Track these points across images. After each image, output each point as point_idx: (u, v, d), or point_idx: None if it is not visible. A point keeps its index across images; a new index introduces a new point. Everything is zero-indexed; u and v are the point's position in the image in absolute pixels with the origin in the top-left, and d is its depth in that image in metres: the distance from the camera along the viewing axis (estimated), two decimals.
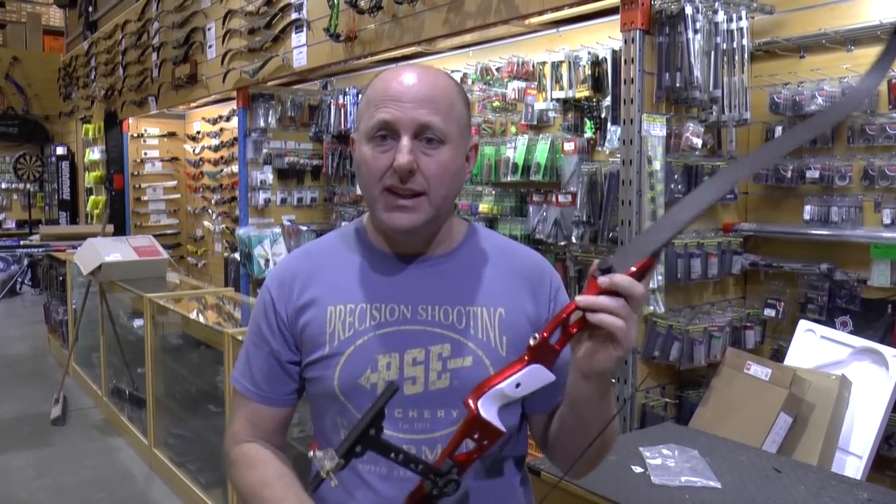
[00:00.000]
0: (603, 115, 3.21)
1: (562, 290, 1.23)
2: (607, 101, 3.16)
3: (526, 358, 0.96)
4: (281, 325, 1.18)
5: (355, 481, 1.14)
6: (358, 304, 1.13)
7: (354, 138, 1.15)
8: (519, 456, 1.23)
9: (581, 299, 0.92)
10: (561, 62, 3.37)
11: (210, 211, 7.03)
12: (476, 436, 0.96)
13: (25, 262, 9.34)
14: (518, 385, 0.96)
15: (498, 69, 3.71)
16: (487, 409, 0.95)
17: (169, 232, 7.89)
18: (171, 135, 7.97)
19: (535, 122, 3.59)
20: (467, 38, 3.62)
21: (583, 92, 3.25)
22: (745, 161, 1.15)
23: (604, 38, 3.16)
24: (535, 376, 0.96)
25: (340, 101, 4.96)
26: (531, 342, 0.95)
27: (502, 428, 0.95)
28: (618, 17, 2.67)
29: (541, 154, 3.43)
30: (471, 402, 0.95)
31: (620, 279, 0.90)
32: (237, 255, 5.40)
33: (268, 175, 5.36)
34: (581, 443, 1.06)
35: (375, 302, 1.12)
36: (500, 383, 0.95)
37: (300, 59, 4.53)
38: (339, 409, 1.13)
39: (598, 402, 1.03)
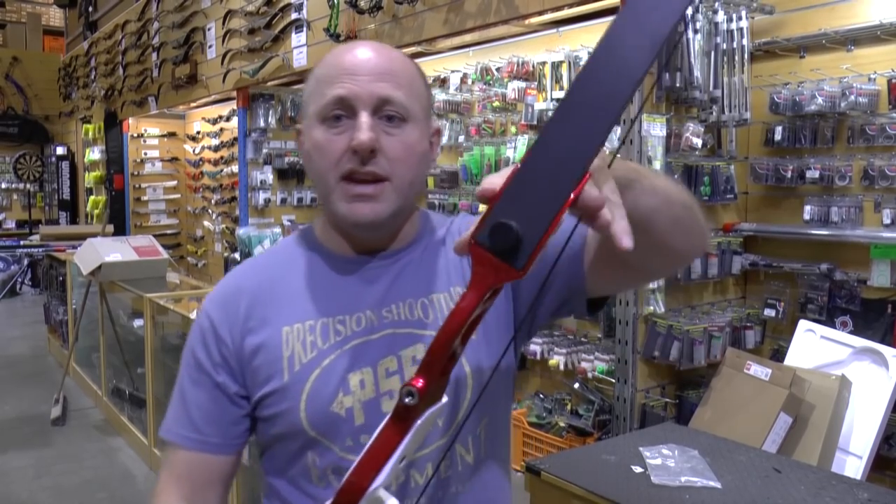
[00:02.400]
0: None
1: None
2: None
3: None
4: (224, 352, 0.98)
5: None
6: (318, 320, 0.95)
7: (301, 128, 0.99)
8: (503, 458, 1.06)
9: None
10: (561, 62, 3.37)
11: (210, 211, 7.03)
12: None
13: (25, 262, 9.34)
14: (403, 459, 0.67)
15: (498, 69, 3.71)
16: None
17: (169, 232, 7.89)
18: (171, 135, 7.97)
19: (535, 122, 3.58)
20: (467, 38, 3.62)
21: None
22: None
23: None
24: (416, 435, 0.67)
25: None
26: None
27: None
28: None
29: None
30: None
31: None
32: (237, 256, 5.40)
33: (268, 175, 5.36)
34: (663, 217, 0.84)
35: (338, 314, 0.96)
36: (375, 482, 0.65)
37: (300, 59, 4.53)
38: (311, 449, 0.93)
39: (638, 197, 0.80)
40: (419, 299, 0.98)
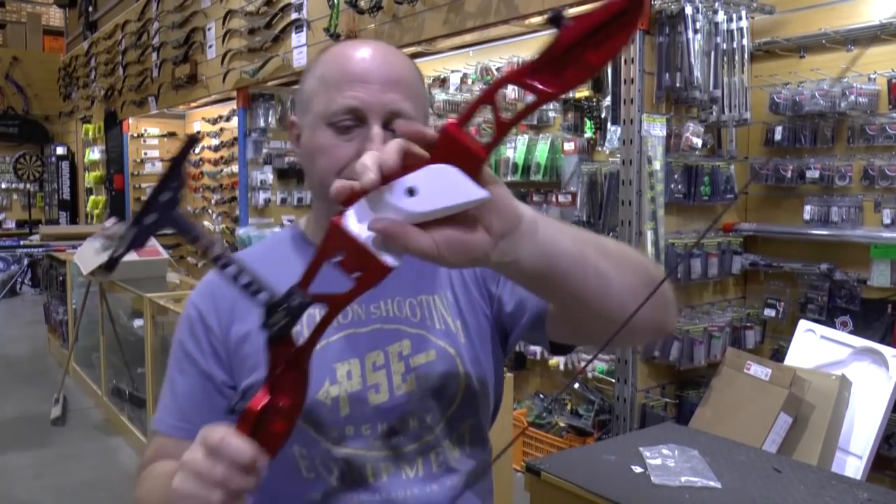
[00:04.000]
0: (603, 115, 3.21)
1: None
2: (607, 101, 3.16)
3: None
4: (213, 340, 0.98)
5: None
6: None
7: (297, 121, 0.99)
8: (480, 463, 1.02)
9: None
10: None
11: (210, 211, 7.03)
12: (344, 260, 0.65)
13: (25, 262, 9.34)
14: (412, 192, 0.62)
15: (498, 69, 3.71)
16: (358, 220, 0.64)
17: (169, 232, 7.88)
18: (171, 135, 7.97)
19: (535, 122, 3.59)
20: (467, 38, 3.62)
21: (583, 92, 3.25)
22: None
23: None
24: (441, 181, 0.62)
25: None
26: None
27: (384, 259, 0.64)
28: None
29: (541, 154, 3.43)
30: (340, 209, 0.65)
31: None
32: None
33: (268, 175, 5.36)
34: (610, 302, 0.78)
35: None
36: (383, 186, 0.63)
37: (300, 59, 4.53)
38: (296, 437, 0.91)
39: (552, 257, 0.71)
40: (408, 298, 0.99)
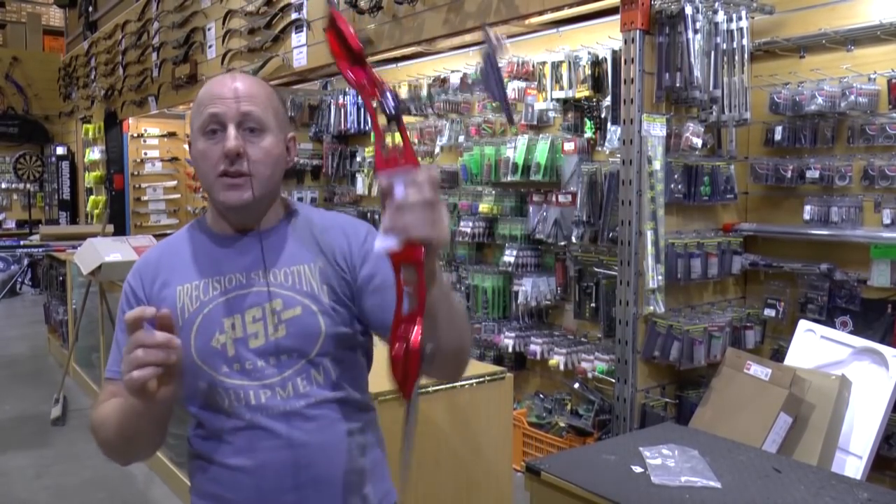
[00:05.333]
0: (603, 115, 3.21)
1: (372, 231, 1.35)
2: (607, 101, 3.16)
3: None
4: (140, 299, 1.32)
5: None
6: (202, 280, 1.29)
7: (191, 142, 1.31)
8: (351, 399, 1.29)
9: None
10: (561, 62, 3.37)
11: None
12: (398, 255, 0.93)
13: (25, 262, 9.34)
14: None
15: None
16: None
17: (169, 232, 7.86)
18: (171, 135, 7.97)
19: (535, 122, 3.59)
20: (467, 38, 3.62)
21: (583, 92, 3.25)
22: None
23: (604, 38, 3.16)
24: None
25: (340, 101, 4.96)
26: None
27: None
28: (618, 17, 2.67)
29: (541, 154, 3.43)
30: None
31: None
32: None
33: None
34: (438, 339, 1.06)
35: (216, 276, 1.29)
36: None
37: (300, 59, 4.53)
38: (199, 375, 1.25)
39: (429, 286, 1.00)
40: (282, 268, 1.29)
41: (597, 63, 3.19)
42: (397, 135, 0.93)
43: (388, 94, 0.95)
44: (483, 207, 3.77)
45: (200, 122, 1.26)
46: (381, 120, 0.95)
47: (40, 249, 6.43)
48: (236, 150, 1.22)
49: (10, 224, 10.87)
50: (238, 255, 1.30)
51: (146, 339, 1.04)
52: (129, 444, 1.24)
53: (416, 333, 0.97)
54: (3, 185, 11.03)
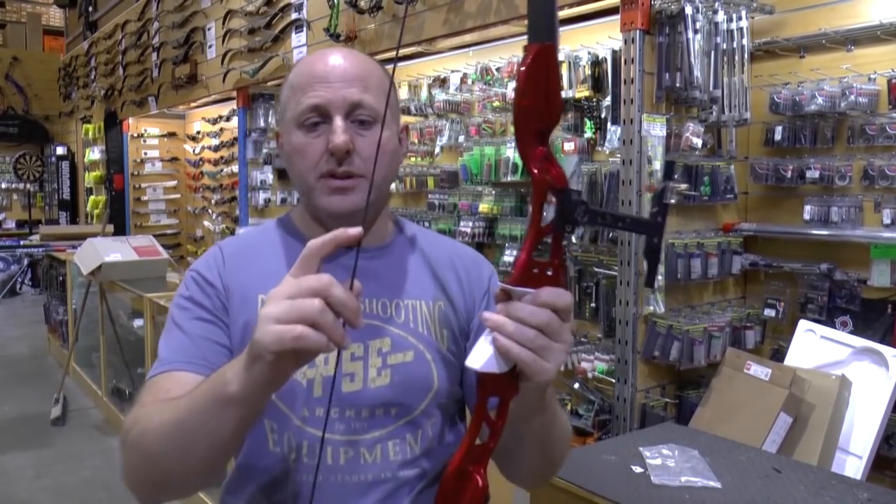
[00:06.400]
0: (603, 115, 3.21)
1: (495, 278, 1.15)
2: (607, 101, 3.16)
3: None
4: (214, 293, 1.06)
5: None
6: None
7: (280, 131, 1.09)
8: (438, 475, 1.06)
9: (489, 316, 0.75)
10: (561, 62, 3.37)
11: (210, 211, 7.03)
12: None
13: (25, 262, 9.34)
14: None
15: (498, 69, 3.71)
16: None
17: (169, 232, 7.89)
18: (171, 135, 7.96)
19: None
20: (467, 38, 3.62)
21: (583, 92, 3.25)
22: None
23: (604, 38, 3.16)
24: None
25: None
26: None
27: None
28: (618, 17, 2.67)
29: None
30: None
31: (546, 295, 0.73)
32: None
33: (268, 175, 5.36)
34: (520, 455, 0.94)
35: None
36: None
37: (300, 60, 4.53)
38: (269, 411, 0.98)
39: (530, 415, 0.87)
40: (394, 300, 1.05)
41: (597, 63, 3.19)
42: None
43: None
44: (483, 207, 3.77)
45: (297, 111, 1.02)
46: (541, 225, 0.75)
47: (40, 249, 6.44)
48: (345, 147, 0.99)
49: (10, 224, 10.88)
50: (339, 273, 0.92)
51: (343, 298, 0.74)
52: (186, 458, 0.85)
53: (483, 473, 0.79)
54: (3, 185, 11.04)
